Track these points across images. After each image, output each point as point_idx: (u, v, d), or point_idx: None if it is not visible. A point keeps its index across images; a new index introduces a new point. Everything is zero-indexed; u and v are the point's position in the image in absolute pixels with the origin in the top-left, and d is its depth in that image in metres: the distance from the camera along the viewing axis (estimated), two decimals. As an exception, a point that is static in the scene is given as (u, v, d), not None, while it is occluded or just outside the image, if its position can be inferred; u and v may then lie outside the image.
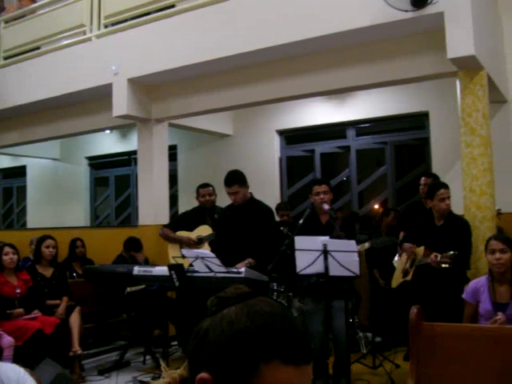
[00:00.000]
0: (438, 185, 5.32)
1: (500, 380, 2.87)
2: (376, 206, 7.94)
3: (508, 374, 2.85)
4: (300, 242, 4.50)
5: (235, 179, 5.44)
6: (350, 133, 8.65)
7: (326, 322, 4.80)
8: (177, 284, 5.20)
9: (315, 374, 5.08)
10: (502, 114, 6.92)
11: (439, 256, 4.72)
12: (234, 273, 4.81)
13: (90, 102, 8.15)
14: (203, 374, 1.03)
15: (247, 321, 1.04)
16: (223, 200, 6.30)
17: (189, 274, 5.16)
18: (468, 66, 5.41)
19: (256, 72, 6.79)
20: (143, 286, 6.51)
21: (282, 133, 9.15)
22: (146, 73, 7.08)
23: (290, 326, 1.06)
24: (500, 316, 3.67)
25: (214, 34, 6.47)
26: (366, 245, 5.10)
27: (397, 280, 5.57)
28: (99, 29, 7.72)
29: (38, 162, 12.06)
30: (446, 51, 5.17)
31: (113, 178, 11.37)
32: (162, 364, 1.28)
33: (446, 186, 5.20)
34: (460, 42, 5.12)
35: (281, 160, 9.15)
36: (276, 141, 9.11)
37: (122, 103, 7.26)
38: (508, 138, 6.86)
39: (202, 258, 4.83)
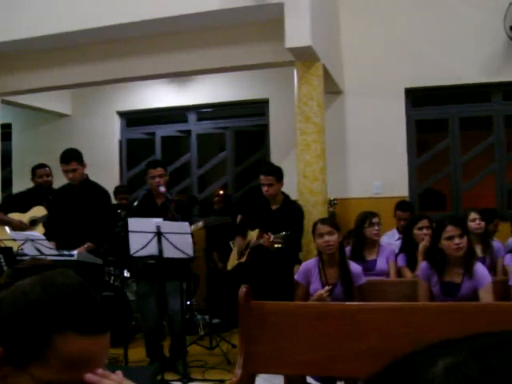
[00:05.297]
0: (261, 170, 5.43)
1: (324, 352, 3.04)
2: (221, 192, 8.02)
3: (330, 345, 3.02)
4: (133, 223, 4.46)
5: (74, 156, 5.23)
6: (191, 117, 8.65)
7: (160, 303, 4.80)
8: (5, 269, 4.95)
9: (151, 356, 5.08)
10: (337, 104, 7.27)
11: (272, 236, 4.87)
12: (66, 255, 4.65)
13: None
14: None
15: (41, 291, 1.02)
16: (58, 182, 6.08)
17: (18, 258, 4.92)
18: (305, 57, 5.62)
19: (96, 51, 6.57)
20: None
21: (123, 114, 8.93)
22: (-24, 44, 6.61)
23: (84, 296, 1.06)
24: (323, 291, 3.86)
25: (50, 8, 6.17)
26: (200, 224, 5.16)
27: (232, 262, 5.67)
28: None
29: None
30: (285, 41, 5.34)
31: None
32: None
33: (265, 173, 5.24)
34: (297, 32, 5.30)
35: (121, 142, 8.96)
36: (116, 122, 8.87)
37: None
38: (342, 127, 7.21)
39: (32, 240, 4.63)
